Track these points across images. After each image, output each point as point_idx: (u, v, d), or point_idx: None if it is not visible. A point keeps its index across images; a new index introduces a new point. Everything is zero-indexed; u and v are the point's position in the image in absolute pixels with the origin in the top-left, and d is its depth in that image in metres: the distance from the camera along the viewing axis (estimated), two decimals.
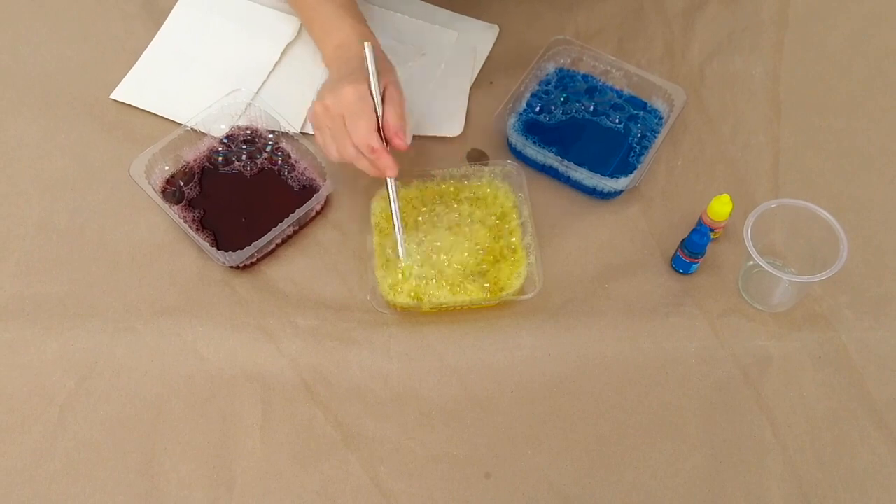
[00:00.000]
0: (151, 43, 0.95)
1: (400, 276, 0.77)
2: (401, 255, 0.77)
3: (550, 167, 0.85)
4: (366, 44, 0.74)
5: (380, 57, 0.78)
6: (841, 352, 0.76)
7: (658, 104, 0.89)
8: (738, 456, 0.72)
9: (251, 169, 0.85)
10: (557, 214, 0.84)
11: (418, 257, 0.78)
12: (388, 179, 0.76)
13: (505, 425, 0.73)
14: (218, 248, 0.78)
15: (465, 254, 0.79)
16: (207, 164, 0.85)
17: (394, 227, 0.77)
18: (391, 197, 0.77)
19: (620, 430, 0.73)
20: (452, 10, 0.99)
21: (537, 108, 0.89)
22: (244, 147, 0.86)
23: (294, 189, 0.84)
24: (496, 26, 0.98)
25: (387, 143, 0.75)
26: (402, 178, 0.82)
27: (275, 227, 0.77)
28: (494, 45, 0.96)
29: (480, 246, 0.79)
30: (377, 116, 0.74)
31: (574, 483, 0.70)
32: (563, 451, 0.72)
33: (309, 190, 0.83)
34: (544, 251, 0.81)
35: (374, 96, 0.74)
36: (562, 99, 0.90)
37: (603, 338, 0.77)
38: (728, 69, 0.95)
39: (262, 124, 0.87)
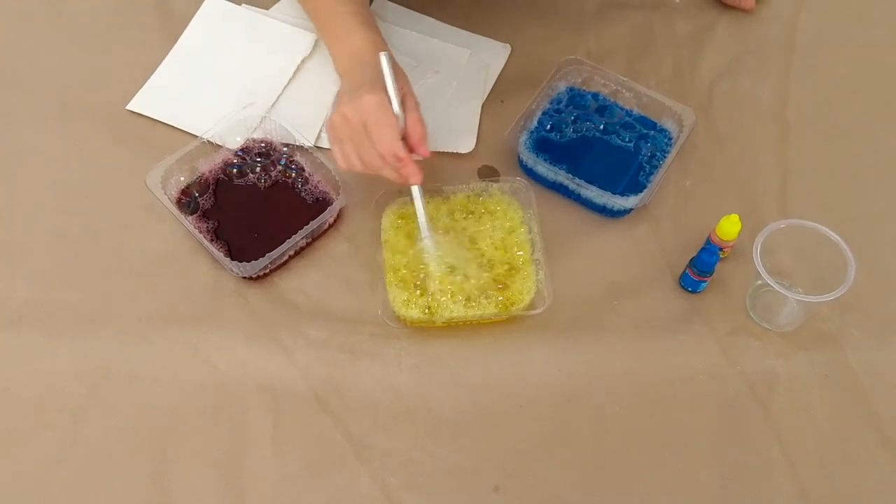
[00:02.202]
0: (168, 55, 0.96)
1: (413, 294, 0.78)
2: (431, 265, 0.79)
3: (561, 185, 0.86)
4: (382, 53, 0.75)
5: (395, 66, 0.78)
6: (848, 371, 0.77)
7: (668, 124, 0.90)
8: (746, 473, 0.72)
9: (265, 181, 0.86)
10: (567, 232, 0.85)
11: (447, 265, 0.79)
12: (414, 187, 0.77)
13: (514, 439, 0.73)
14: (232, 259, 0.79)
15: (476, 269, 0.79)
16: (222, 175, 0.86)
17: (421, 236, 0.78)
18: (417, 203, 0.77)
19: (629, 446, 0.73)
20: (465, 30, 1.00)
21: (548, 127, 0.90)
22: (259, 160, 0.87)
23: (307, 202, 0.84)
24: (508, 46, 0.99)
25: (409, 150, 0.75)
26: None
27: (288, 239, 0.78)
28: (506, 64, 0.98)
29: (490, 261, 0.80)
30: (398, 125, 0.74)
31: (582, 498, 0.71)
32: (572, 467, 0.72)
33: (322, 203, 0.84)
34: (554, 268, 0.81)
35: (395, 105, 0.75)
36: (572, 118, 0.91)
37: (612, 354, 0.78)
38: (736, 90, 0.97)
39: (276, 137, 0.88)
